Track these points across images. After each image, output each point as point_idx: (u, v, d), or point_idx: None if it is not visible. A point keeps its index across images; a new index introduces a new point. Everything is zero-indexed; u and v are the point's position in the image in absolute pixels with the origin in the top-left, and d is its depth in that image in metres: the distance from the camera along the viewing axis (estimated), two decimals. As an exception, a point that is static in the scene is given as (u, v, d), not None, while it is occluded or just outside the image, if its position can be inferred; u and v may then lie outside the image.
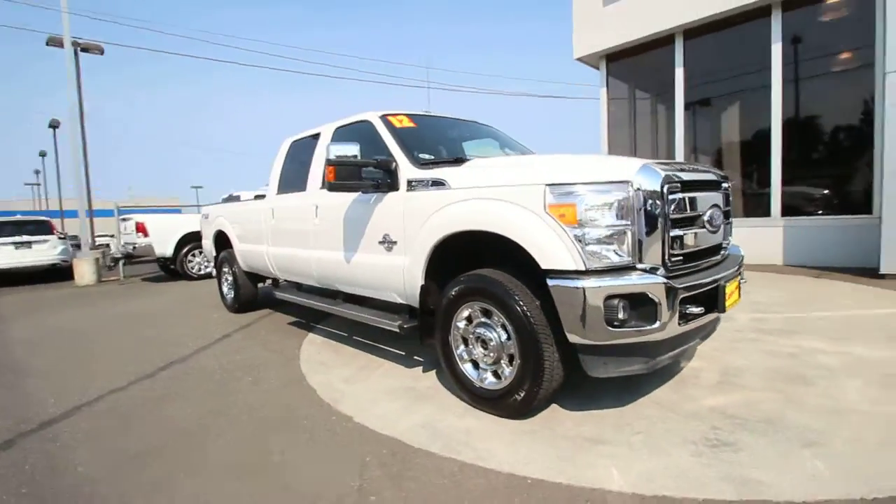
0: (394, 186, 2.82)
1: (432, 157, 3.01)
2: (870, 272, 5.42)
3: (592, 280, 1.93)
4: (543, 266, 2.02)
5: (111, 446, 2.28)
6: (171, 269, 10.08)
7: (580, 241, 1.95)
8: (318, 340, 4.02)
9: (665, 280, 1.95)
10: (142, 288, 8.56)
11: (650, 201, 1.99)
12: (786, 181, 6.61)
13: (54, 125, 27.41)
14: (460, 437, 2.17)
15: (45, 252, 10.09)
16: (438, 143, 3.48)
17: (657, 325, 1.94)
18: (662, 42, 7.66)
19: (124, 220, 9.83)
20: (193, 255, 9.61)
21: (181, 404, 2.77)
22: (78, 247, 10.80)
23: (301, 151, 4.09)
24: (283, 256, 4.18)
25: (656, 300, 1.92)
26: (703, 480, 1.73)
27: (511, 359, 2.27)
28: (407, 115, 3.34)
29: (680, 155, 7.60)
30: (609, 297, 1.91)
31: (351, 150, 2.73)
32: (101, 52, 16.38)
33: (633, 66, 8.34)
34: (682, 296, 1.99)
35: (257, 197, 9.89)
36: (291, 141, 4.27)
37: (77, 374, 3.45)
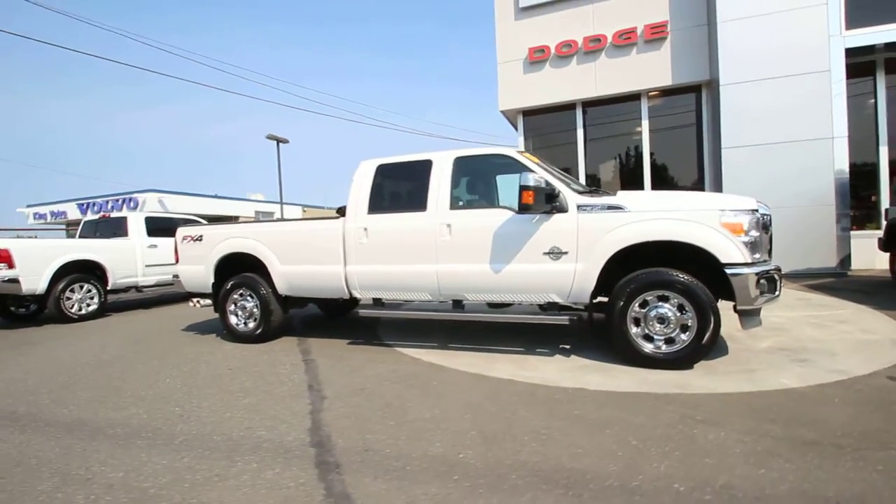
0: (562, 209, 3.64)
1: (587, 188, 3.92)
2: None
3: (752, 269, 3.20)
4: (723, 261, 3.20)
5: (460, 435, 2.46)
6: (26, 311, 7.78)
7: (746, 245, 3.21)
8: (422, 352, 4.25)
9: (778, 267, 3.37)
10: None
11: (764, 221, 3.40)
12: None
13: None
14: (677, 381, 3.12)
15: None
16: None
17: (777, 293, 3.33)
18: (566, 108, 10.03)
19: (-39, 247, 7.16)
20: (73, 291, 7.68)
21: (422, 405, 2.94)
22: None
23: (402, 175, 4.44)
24: (380, 273, 4.32)
25: (778, 278, 3.31)
26: (818, 375, 3.11)
27: (684, 328, 3.35)
28: (524, 151, 4.17)
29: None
30: (761, 278, 3.20)
31: (536, 180, 3.48)
32: None
33: (543, 120, 10.54)
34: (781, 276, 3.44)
35: (153, 219, 8.54)
36: (378, 164, 4.49)
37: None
